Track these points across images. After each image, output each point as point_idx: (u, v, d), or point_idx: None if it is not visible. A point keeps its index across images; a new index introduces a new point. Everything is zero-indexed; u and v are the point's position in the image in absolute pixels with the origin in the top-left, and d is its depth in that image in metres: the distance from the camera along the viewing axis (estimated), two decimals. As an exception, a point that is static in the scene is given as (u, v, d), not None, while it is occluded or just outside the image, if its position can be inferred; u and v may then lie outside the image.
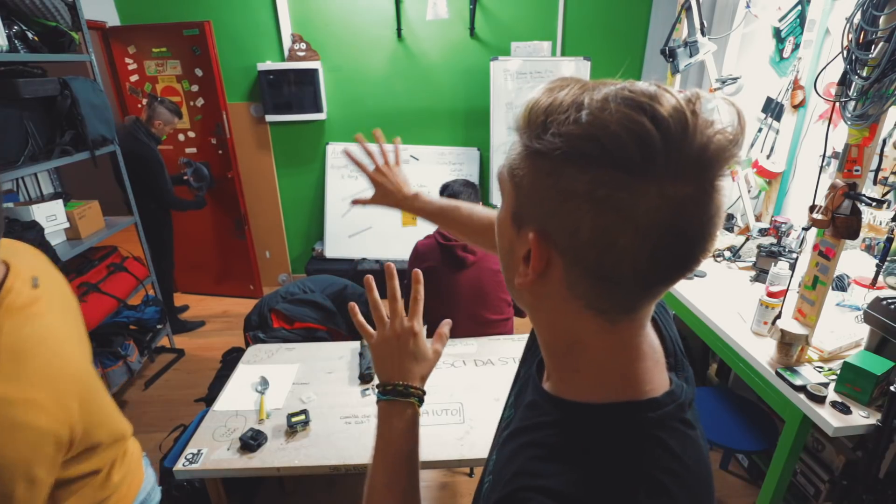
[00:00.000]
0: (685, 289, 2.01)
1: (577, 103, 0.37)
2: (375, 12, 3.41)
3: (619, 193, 0.35)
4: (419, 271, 0.73)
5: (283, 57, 3.50)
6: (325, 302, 2.34)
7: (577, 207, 0.37)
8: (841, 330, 1.61)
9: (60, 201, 2.38)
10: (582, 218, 0.37)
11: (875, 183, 1.79)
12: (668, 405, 0.43)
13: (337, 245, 3.82)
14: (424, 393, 0.69)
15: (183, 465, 1.41)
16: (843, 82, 1.38)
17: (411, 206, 0.98)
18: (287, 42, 3.46)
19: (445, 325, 0.74)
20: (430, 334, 0.72)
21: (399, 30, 3.45)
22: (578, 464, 0.41)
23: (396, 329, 0.69)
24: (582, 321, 0.43)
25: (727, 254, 2.25)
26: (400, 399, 0.66)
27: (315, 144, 3.77)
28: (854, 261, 1.94)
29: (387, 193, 0.98)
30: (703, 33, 2.29)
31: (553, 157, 0.37)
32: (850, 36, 1.34)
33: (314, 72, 3.44)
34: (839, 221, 1.39)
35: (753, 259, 2.14)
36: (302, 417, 1.54)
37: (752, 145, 2.50)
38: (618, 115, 0.35)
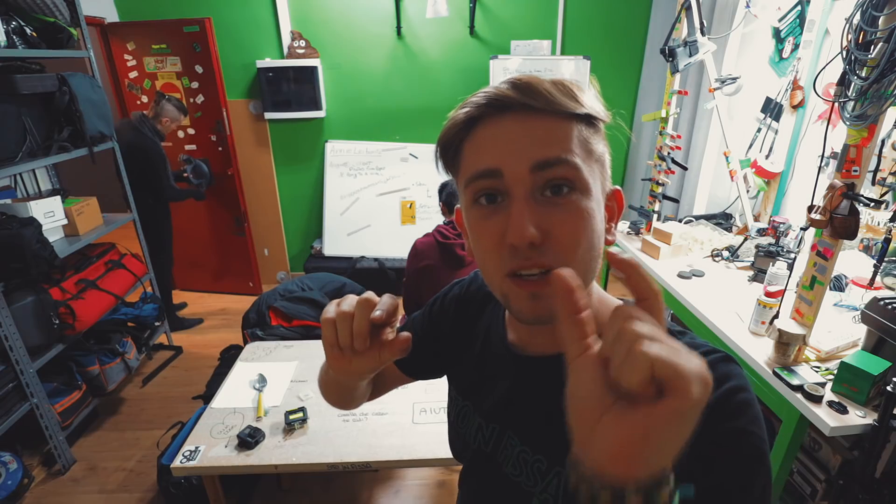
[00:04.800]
0: (683, 288, 2.01)
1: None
2: (375, 10, 3.41)
3: None
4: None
5: (283, 54, 3.49)
6: (324, 300, 2.34)
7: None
8: (838, 330, 1.61)
9: (58, 198, 2.37)
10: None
11: (873, 183, 1.79)
12: None
13: (335, 243, 3.82)
14: None
15: (180, 462, 1.42)
16: (843, 83, 1.38)
17: None
18: (286, 39, 3.46)
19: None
20: None
21: (399, 28, 3.45)
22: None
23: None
24: None
25: (725, 253, 2.26)
26: None
27: (314, 142, 3.76)
28: (852, 261, 1.94)
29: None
30: (702, 33, 2.29)
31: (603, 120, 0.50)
32: (850, 36, 1.34)
33: (313, 69, 3.43)
34: (837, 222, 1.39)
35: (751, 259, 2.14)
36: (300, 415, 1.54)
37: (750, 145, 2.50)
38: None
